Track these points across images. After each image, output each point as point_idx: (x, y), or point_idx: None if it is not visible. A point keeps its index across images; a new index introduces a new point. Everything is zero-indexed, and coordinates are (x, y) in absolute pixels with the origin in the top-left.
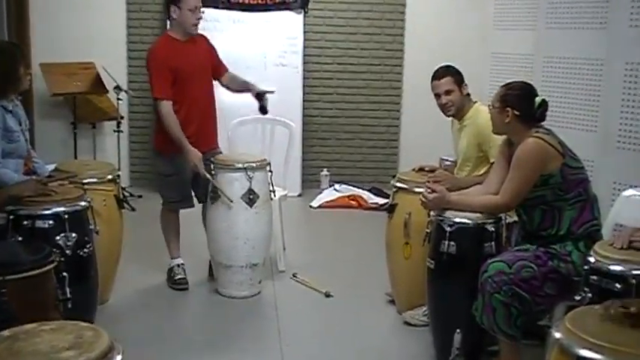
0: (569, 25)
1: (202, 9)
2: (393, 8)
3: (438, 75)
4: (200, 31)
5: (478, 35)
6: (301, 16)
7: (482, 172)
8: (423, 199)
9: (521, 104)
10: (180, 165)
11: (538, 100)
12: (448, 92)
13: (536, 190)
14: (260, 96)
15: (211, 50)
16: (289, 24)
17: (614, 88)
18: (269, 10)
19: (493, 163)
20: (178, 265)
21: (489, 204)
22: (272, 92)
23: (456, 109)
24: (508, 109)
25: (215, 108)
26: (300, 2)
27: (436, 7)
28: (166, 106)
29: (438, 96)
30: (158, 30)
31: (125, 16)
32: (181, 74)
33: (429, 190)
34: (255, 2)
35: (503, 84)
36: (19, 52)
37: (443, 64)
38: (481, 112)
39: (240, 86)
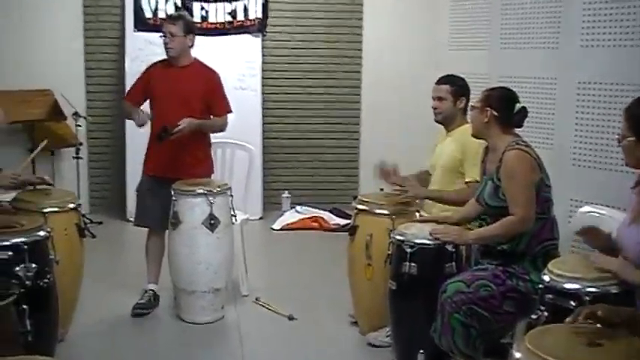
0: (522, 45)
1: (170, 32)
2: (350, 30)
3: (440, 80)
4: (155, 56)
5: (434, 55)
6: (259, 39)
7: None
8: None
9: (500, 106)
10: (147, 185)
11: (518, 106)
12: (440, 99)
13: (504, 201)
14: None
15: (209, 87)
16: (247, 48)
17: (567, 107)
18: (227, 34)
19: (467, 182)
20: (146, 291)
21: (507, 225)
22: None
23: (444, 117)
24: (488, 109)
25: (197, 140)
26: (257, 26)
27: (393, 28)
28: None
29: (433, 99)
30: (116, 55)
31: (82, 42)
32: (157, 93)
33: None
34: (212, 27)
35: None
36: None
37: (451, 74)
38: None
39: None
